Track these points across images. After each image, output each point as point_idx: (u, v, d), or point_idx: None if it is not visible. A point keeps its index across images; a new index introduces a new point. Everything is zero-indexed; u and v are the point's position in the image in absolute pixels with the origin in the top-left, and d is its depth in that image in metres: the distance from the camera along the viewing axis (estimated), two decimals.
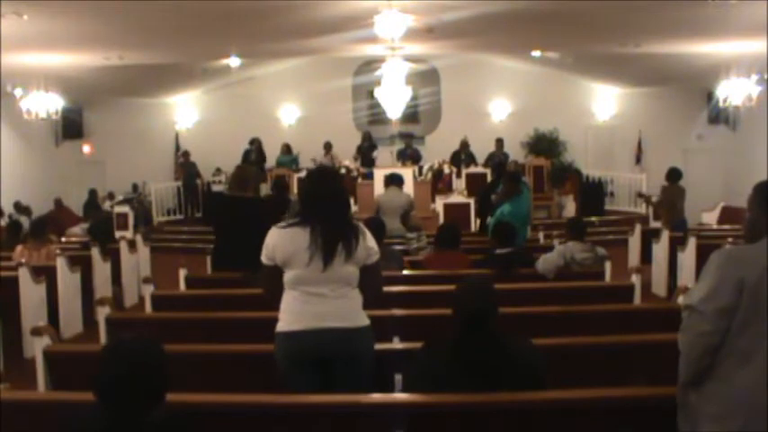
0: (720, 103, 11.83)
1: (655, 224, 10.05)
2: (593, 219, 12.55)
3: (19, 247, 7.28)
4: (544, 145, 15.37)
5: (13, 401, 2.70)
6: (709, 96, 13.97)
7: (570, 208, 13.77)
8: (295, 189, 11.61)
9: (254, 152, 14.20)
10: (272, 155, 14.60)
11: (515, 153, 14.68)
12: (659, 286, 8.48)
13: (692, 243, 7.66)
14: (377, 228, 5.48)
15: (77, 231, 10.54)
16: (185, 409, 2.51)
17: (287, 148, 14.72)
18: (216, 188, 13.94)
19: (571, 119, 15.59)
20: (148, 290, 4.94)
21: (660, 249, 8.52)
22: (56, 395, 3.17)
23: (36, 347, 3.44)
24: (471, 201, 11.28)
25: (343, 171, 13.01)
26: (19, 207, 12.74)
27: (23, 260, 6.67)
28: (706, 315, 2.19)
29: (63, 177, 15.08)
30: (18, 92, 11.07)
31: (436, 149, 14.64)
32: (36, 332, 3.48)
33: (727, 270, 2.19)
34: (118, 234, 10.22)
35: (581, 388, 2.72)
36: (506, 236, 5.81)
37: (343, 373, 3.03)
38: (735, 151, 14.72)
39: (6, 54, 8.87)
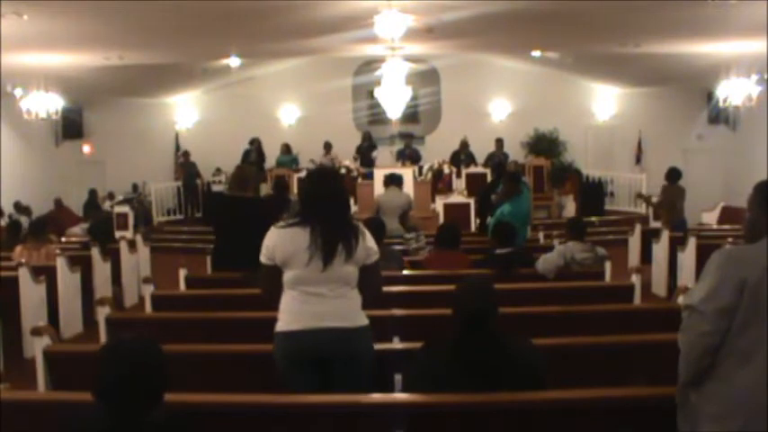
0: (720, 103, 11.84)
1: (655, 224, 10.05)
2: (593, 219, 12.55)
3: (18, 248, 7.28)
4: (544, 145, 15.37)
5: (13, 401, 2.70)
6: (710, 96, 13.97)
7: (570, 208, 13.77)
8: (295, 189, 11.61)
9: (254, 152, 14.20)
10: (271, 155, 14.60)
11: (515, 153, 14.67)
12: (659, 286, 8.48)
13: (692, 243, 7.67)
14: (377, 228, 5.49)
15: (77, 231, 10.54)
16: (185, 409, 2.51)
17: (287, 148, 14.72)
18: (216, 188, 13.94)
19: (571, 119, 15.59)
20: (148, 290, 4.94)
21: (660, 249, 8.52)
22: (56, 395, 3.17)
23: (36, 347, 3.44)
24: (471, 201, 11.29)
25: (343, 171, 13.02)
26: (19, 207, 12.74)
27: (23, 260, 6.67)
28: (706, 315, 2.18)
29: (63, 177, 15.08)
30: (18, 92, 11.07)
31: (436, 149, 14.64)
32: (36, 332, 3.48)
33: (727, 270, 2.19)
34: (118, 234, 10.22)
35: (581, 388, 2.72)
36: (506, 236, 5.81)
37: (343, 373, 3.03)
38: (735, 151, 14.73)
39: (6, 54, 8.88)
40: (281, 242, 3.08)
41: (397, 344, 3.76)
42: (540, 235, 9.08)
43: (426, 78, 15.46)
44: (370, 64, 14.15)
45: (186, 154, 15.29)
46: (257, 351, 3.29)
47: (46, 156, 15.08)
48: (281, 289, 3.12)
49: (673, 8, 7.82)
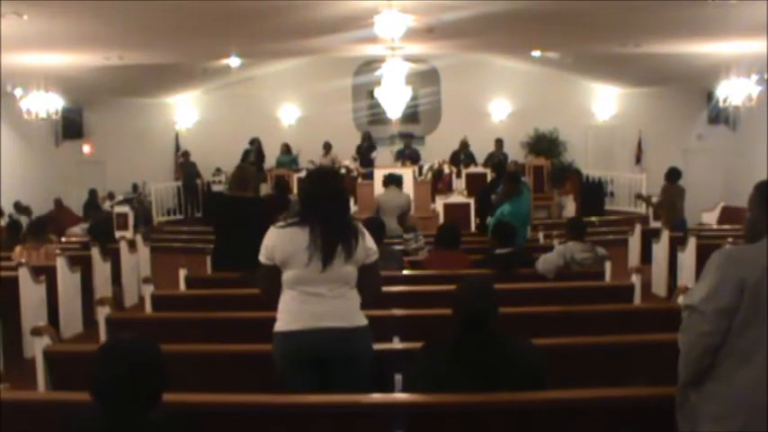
0: (720, 103, 11.84)
1: (655, 224, 10.05)
2: (593, 219, 12.55)
3: (18, 248, 7.28)
4: (544, 145, 15.37)
5: (13, 401, 2.70)
6: (710, 96, 13.97)
7: (570, 208, 13.77)
8: (295, 189, 11.61)
9: (254, 152, 14.20)
10: (271, 155, 14.60)
11: (515, 153, 14.69)
12: (659, 286, 8.48)
13: (691, 243, 7.67)
14: (377, 228, 5.49)
15: (77, 231, 10.54)
16: (185, 409, 2.51)
17: (286, 148, 14.72)
18: (216, 188, 13.94)
19: (571, 119, 15.59)
20: (148, 290, 4.94)
21: (660, 249, 8.52)
22: (56, 395, 3.17)
23: (36, 347, 3.44)
24: (471, 201, 11.28)
25: (343, 171, 13.02)
26: (19, 207, 12.74)
27: (23, 260, 6.67)
28: (706, 315, 2.18)
29: (63, 177, 15.08)
30: (18, 92, 11.07)
31: (436, 149, 14.65)
32: (36, 332, 3.48)
33: (727, 270, 2.19)
34: (118, 234, 10.22)
35: (581, 388, 2.72)
36: (506, 236, 5.81)
37: (342, 373, 3.03)
38: (735, 151, 14.73)
39: (6, 54, 8.88)
40: (280, 242, 3.08)
41: (397, 344, 3.76)
42: (540, 235, 9.08)
43: (426, 78, 15.46)
44: (370, 64, 14.15)
45: (186, 154, 15.29)
46: (257, 351, 3.29)
47: (46, 156, 15.08)
48: (279, 289, 3.12)
49: (673, 8, 7.82)
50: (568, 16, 8.60)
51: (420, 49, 11.79)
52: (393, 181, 8.58)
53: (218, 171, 14.97)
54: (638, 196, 11.51)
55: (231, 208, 5.61)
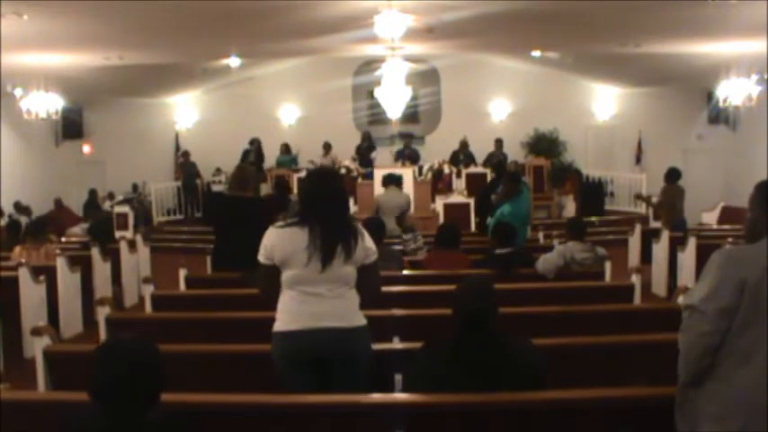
0: (720, 103, 11.84)
1: (655, 224, 10.05)
2: (593, 219, 12.55)
3: (17, 248, 7.28)
4: (544, 145, 15.37)
5: (13, 401, 2.70)
6: (710, 96, 13.97)
7: (570, 208, 13.77)
8: (296, 189, 11.61)
9: (254, 152, 14.20)
10: (271, 155, 14.60)
11: (515, 153, 14.68)
12: (659, 286, 8.48)
13: (692, 243, 7.67)
14: (377, 228, 5.49)
15: (77, 231, 10.54)
16: (185, 409, 2.51)
17: (286, 148, 14.73)
18: (216, 188, 13.94)
19: (571, 119, 15.59)
20: (148, 290, 4.94)
21: (660, 249, 8.52)
22: (56, 395, 3.17)
23: (36, 347, 3.44)
24: (471, 201, 11.28)
25: (343, 171, 13.02)
26: (19, 207, 12.74)
27: (23, 260, 6.67)
28: (707, 315, 2.18)
29: (63, 177, 15.08)
30: (18, 92, 11.07)
31: (436, 149, 14.65)
32: (36, 332, 3.48)
33: (727, 270, 2.19)
34: (118, 234, 10.22)
35: (581, 388, 2.72)
36: (506, 236, 5.81)
37: (341, 373, 3.03)
38: (735, 151, 14.73)
39: (6, 54, 8.88)
40: (279, 242, 3.08)
41: (397, 344, 3.76)
42: (540, 235, 9.08)
43: (426, 78, 15.46)
44: (370, 64, 14.15)
45: (186, 154, 15.29)
46: (257, 351, 3.29)
47: (46, 156, 15.08)
48: (279, 289, 3.12)
49: (673, 8, 7.82)
50: (568, 16, 8.60)
51: (420, 49, 11.79)
52: (393, 181, 8.58)
53: (218, 171, 14.96)
54: (638, 196, 11.51)
55: (231, 208, 5.61)
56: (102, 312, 4.28)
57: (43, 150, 15.02)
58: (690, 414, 2.30)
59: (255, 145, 14.31)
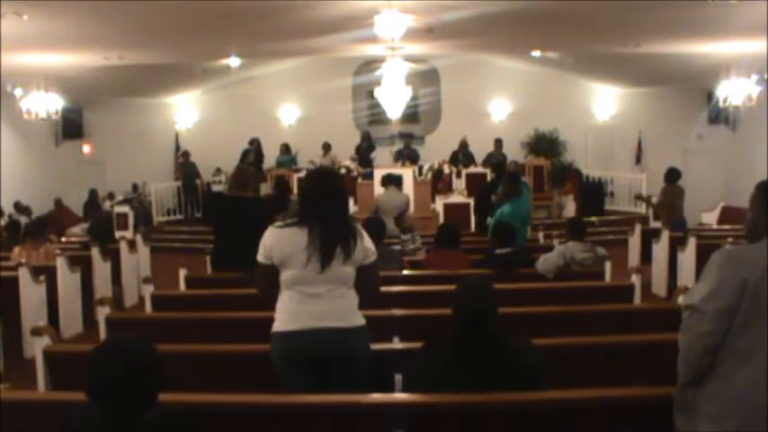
0: (720, 103, 11.84)
1: (655, 224, 10.05)
2: (593, 219, 12.55)
3: (17, 249, 7.29)
4: (544, 145, 15.37)
5: (13, 401, 2.70)
6: (710, 96, 13.97)
7: (570, 208, 13.78)
8: (296, 189, 11.60)
9: (253, 152, 14.20)
10: (271, 155, 14.60)
11: (515, 153, 14.68)
12: (659, 286, 8.48)
13: (692, 243, 7.67)
14: (377, 228, 5.49)
15: (77, 231, 10.55)
16: (185, 409, 2.51)
17: (286, 148, 14.74)
18: (216, 188, 13.94)
19: (571, 119, 15.59)
20: (148, 290, 4.94)
21: (660, 249, 8.52)
22: (56, 395, 3.17)
23: (36, 347, 3.44)
24: (471, 201, 11.28)
25: (343, 171, 13.02)
26: (19, 207, 12.74)
27: (23, 260, 6.67)
28: (707, 315, 2.18)
29: (63, 177, 15.08)
30: (18, 92, 11.07)
31: (436, 149, 14.65)
32: (36, 332, 3.48)
33: (728, 270, 2.19)
34: (118, 234, 10.22)
35: (581, 388, 2.72)
36: (506, 236, 5.81)
37: (340, 373, 3.03)
38: (735, 151, 14.73)
39: (6, 54, 8.87)
40: (278, 242, 3.08)
41: (397, 344, 3.76)
42: (540, 235, 9.08)
43: (426, 78, 15.46)
44: (370, 64, 14.15)
45: (186, 154, 15.29)
46: (256, 351, 3.29)
47: (46, 156, 15.07)
48: (277, 288, 3.12)
49: (673, 8, 7.82)
50: (568, 16, 8.60)
51: (420, 49, 11.78)
52: (392, 181, 8.58)
53: (218, 171, 14.96)
54: (638, 197, 11.51)
55: (231, 208, 5.61)
56: (102, 312, 4.28)
57: (43, 150, 15.02)
58: (689, 414, 2.30)
59: (255, 145, 14.31)
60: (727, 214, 12.43)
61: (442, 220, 10.95)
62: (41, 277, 6.55)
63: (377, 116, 14.74)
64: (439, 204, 11.97)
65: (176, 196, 15.21)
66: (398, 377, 3.19)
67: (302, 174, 11.85)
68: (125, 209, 11.96)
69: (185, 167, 15.05)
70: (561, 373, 2.92)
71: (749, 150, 13.33)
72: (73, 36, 8.79)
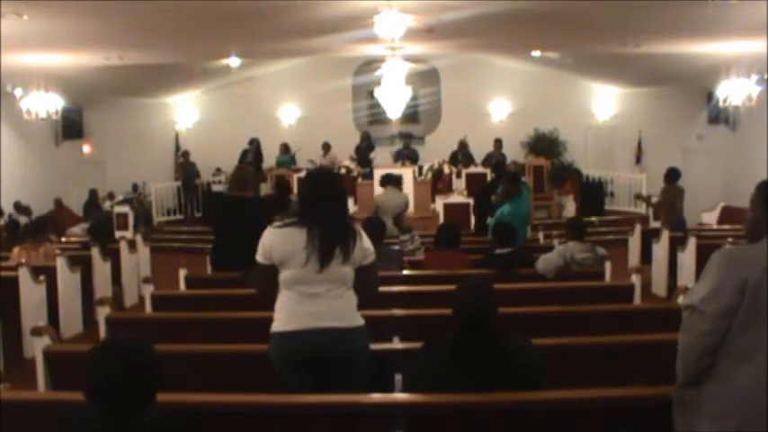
0: (720, 103, 11.84)
1: (655, 224, 10.05)
2: (593, 219, 12.54)
3: (16, 249, 7.29)
4: (544, 145, 15.37)
5: (13, 401, 2.70)
6: (710, 96, 13.97)
7: (570, 208, 13.77)
8: (296, 189, 11.60)
9: (252, 152, 14.20)
10: (271, 155, 14.60)
11: (515, 153, 14.68)
12: (659, 286, 8.48)
13: (692, 243, 7.67)
14: (377, 228, 5.50)
15: (77, 231, 10.55)
16: (185, 409, 2.51)
17: (285, 148, 14.74)
18: (216, 188, 13.94)
19: (571, 119, 15.58)
20: (148, 290, 4.94)
21: (660, 249, 8.52)
22: (56, 395, 3.17)
23: (36, 347, 3.44)
24: (471, 201, 11.28)
25: (343, 171, 13.02)
26: (19, 207, 12.75)
27: (23, 260, 6.67)
28: (707, 315, 2.18)
29: (63, 177, 15.08)
30: (18, 92, 11.07)
31: (436, 149, 14.65)
32: (36, 332, 3.48)
33: (728, 271, 2.19)
34: (118, 234, 10.22)
35: (581, 388, 2.72)
36: (506, 236, 5.81)
37: (339, 373, 3.04)
38: (735, 151, 14.73)
39: (6, 54, 8.87)
40: (277, 242, 3.09)
41: (397, 344, 3.76)
42: (540, 235, 9.08)
43: (426, 78, 15.46)
44: (370, 64, 14.15)
45: (186, 154, 15.29)
46: (256, 351, 3.29)
47: (46, 156, 15.07)
48: (276, 288, 3.12)
49: (673, 8, 7.82)
50: (568, 16, 8.60)
51: (420, 49, 11.78)
52: (391, 181, 8.58)
53: (218, 171, 14.97)
54: (638, 196, 11.50)
55: (231, 208, 5.61)
56: (102, 312, 4.28)
57: (43, 150, 15.02)
58: (688, 414, 2.30)
59: (254, 145, 14.31)
60: (727, 214, 12.44)
61: (442, 220, 10.95)
62: (41, 277, 6.55)
63: (377, 116, 14.74)
64: (439, 204, 11.97)
65: (176, 196, 15.21)
66: (398, 377, 3.19)
67: (302, 174, 11.85)
68: (125, 209, 11.96)
69: (185, 167, 15.05)
70: (561, 373, 2.92)
71: (749, 150, 13.33)
72: (73, 36, 8.79)
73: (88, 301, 7.08)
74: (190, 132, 16.47)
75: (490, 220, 7.13)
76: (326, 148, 14.23)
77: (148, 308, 4.88)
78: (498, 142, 14.17)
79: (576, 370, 3.29)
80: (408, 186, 11.32)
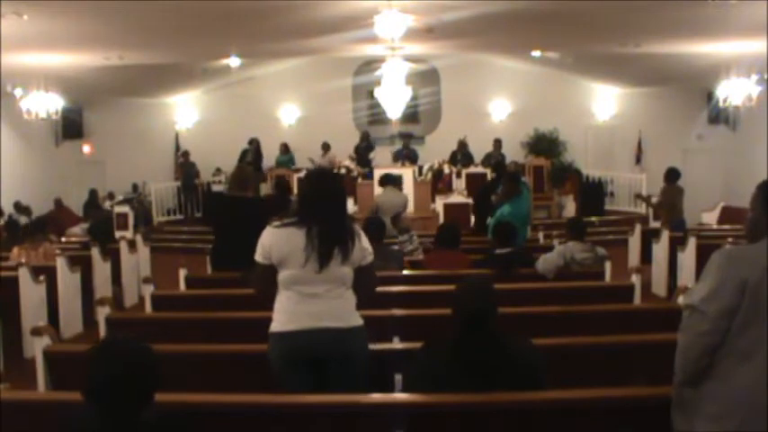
0: (720, 103, 11.84)
1: (655, 224, 10.05)
2: (593, 219, 12.54)
3: (15, 249, 7.30)
4: (544, 145, 15.36)
5: (13, 401, 2.70)
6: (710, 96, 13.97)
7: (570, 208, 13.77)
8: (296, 189, 11.59)
9: (252, 152, 14.20)
10: (271, 155, 14.60)
11: (515, 153, 14.68)
12: (659, 286, 8.48)
13: (692, 243, 7.67)
14: (377, 228, 5.50)
15: (77, 231, 10.55)
16: (185, 409, 2.51)
17: (285, 148, 14.74)
18: (216, 188, 13.94)
19: (571, 119, 15.58)
20: (148, 290, 4.94)
21: (660, 249, 8.52)
22: (56, 395, 3.17)
23: (36, 347, 3.44)
24: (471, 201, 11.28)
25: (342, 171, 13.02)
26: (19, 207, 12.75)
27: (23, 260, 6.67)
28: (707, 315, 2.18)
29: (63, 177, 15.08)
30: (18, 92, 11.07)
31: (436, 149, 14.64)
32: (36, 332, 3.48)
33: (728, 271, 2.19)
34: (118, 234, 10.22)
35: (581, 388, 2.72)
36: (506, 236, 5.81)
37: (338, 374, 3.04)
38: (735, 151, 14.73)
39: (6, 54, 8.87)
40: (277, 242, 3.09)
41: (397, 344, 3.76)
42: (540, 235, 9.08)
43: (426, 78, 15.46)
44: (370, 64, 14.15)
45: (186, 154, 15.29)
46: (256, 351, 3.29)
47: (46, 156, 15.07)
48: (275, 288, 3.12)
49: (673, 8, 7.82)
50: (568, 16, 8.60)
51: (420, 49, 11.78)
52: (390, 181, 8.58)
53: (218, 171, 14.96)
54: (638, 196, 11.50)
55: (231, 208, 5.61)
56: (102, 312, 4.28)
57: (43, 150, 15.01)
58: (688, 413, 2.30)
59: (254, 145, 14.31)
60: (727, 214, 12.44)
61: (442, 220, 10.95)
62: (41, 277, 6.55)
63: (377, 116, 14.74)
64: (439, 204, 11.97)
65: (176, 196, 15.21)
66: (398, 377, 3.19)
67: (302, 174, 11.85)
68: (125, 209, 11.95)
69: (185, 167, 15.04)
70: (561, 373, 2.92)
71: (749, 150, 13.32)
72: (73, 36, 8.79)
73: (88, 301, 7.09)
74: (190, 132, 16.46)
75: (490, 220, 7.13)
76: (326, 147, 14.22)
77: (148, 308, 4.88)
78: (498, 142, 14.17)
79: (576, 370, 3.29)
80: (408, 186, 11.32)
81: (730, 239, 7.64)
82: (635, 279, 5.09)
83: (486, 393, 2.60)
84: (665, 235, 8.39)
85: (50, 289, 6.68)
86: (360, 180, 12.84)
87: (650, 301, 7.29)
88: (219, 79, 15.21)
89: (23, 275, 6.36)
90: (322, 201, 3.12)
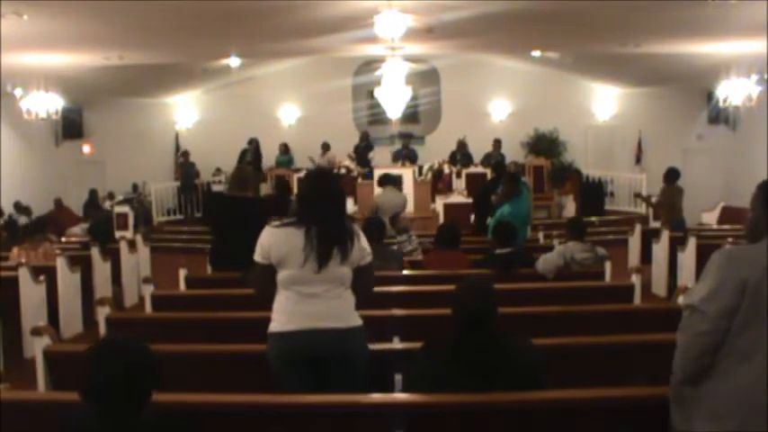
0: (720, 103, 11.84)
1: (655, 224, 10.05)
2: (593, 219, 12.54)
3: (15, 249, 7.29)
4: (544, 145, 15.36)
5: (13, 401, 2.70)
6: (710, 96, 13.97)
7: (570, 208, 13.77)
8: (296, 189, 11.58)
9: (251, 152, 14.20)
10: (271, 155, 14.59)
11: (515, 153, 14.68)
12: (659, 286, 8.48)
13: (692, 243, 7.66)
14: (377, 228, 5.50)
15: (77, 231, 10.55)
16: (185, 409, 2.51)
17: (285, 148, 14.73)
18: (216, 188, 13.94)
19: (571, 119, 15.58)
20: (148, 290, 4.94)
21: (660, 249, 8.52)
22: (56, 395, 3.17)
23: (36, 347, 3.44)
24: (471, 201, 11.28)
25: (342, 171, 13.01)
26: (19, 207, 12.75)
27: (23, 260, 6.67)
28: (707, 315, 2.18)
29: (63, 177, 15.08)
30: (18, 92, 11.07)
31: (436, 149, 14.64)
32: (36, 332, 3.48)
33: (728, 271, 2.19)
34: (118, 234, 10.22)
35: (581, 388, 2.72)
36: (506, 236, 5.81)
37: (337, 374, 3.04)
38: (735, 151, 14.73)
39: (6, 54, 8.87)
40: (276, 242, 3.08)
41: (397, 344, 3.76)
42: (540, 235, 9.08)
43: (426, 78, 15.45)
44: (370, 64, 14.15)
45: (186, 154, 15.29)
46: (256, 351, 3.28)
47: (46, 156, 15.07)
48: (274, 288, 3.12)
49: (673, 8, 7.82)
50: (568, 16, 8.60)
51: (420, 49, 11.78)
52: (389, 181, 8.59)
53: (218, 171, 14.97)
54: (638, 195, 11.50)
55: (231, 208, 5.61)
56: (102, 312, 4.28)
57: (43, 150, 15.01)
58: (687, 413, 2.30)
59: (253, 145, 14.31)
60: (727, 214, 12.44)
61: (442, 220, 10.96)
62: (41, 277, 6.55)
63: (377, 116, 14.73)
64: (439, 204, 11.98)
65: (176, 196, 15.20)
66: (398, 377, 3.19)
67: (302, 174, 11.85)
68: (125, 209, 11.95)
69: (185, 167, 15.04)
70: (561, 373, 2.92)
71: (749, 150, 13.32)
72: (73, 36, 8.79)
73: (88, 301, 7.09)
74: (190, 132, 16.46)
75: (490, 220, 7.13)
76: (325, 147, 14.22)
77: (148, 308, 4.88)
78: (497, 142, 14.17)
79: (576, 370, 3.29)
80: (408, 186, 11.33)
81: (730, 239, 7.64)
82: (635, 279, 5.09)
83: (486, 393, 2.60)
84: (665, 235, 8.39)
85: (50, 289, 6.68)
86: (359, 180, 12.84)
87: (650, 301, 7.29)
88: (219, 79, 15.21)
89: (23, 275, 6.36)
90: (321, 201, 3.12)
